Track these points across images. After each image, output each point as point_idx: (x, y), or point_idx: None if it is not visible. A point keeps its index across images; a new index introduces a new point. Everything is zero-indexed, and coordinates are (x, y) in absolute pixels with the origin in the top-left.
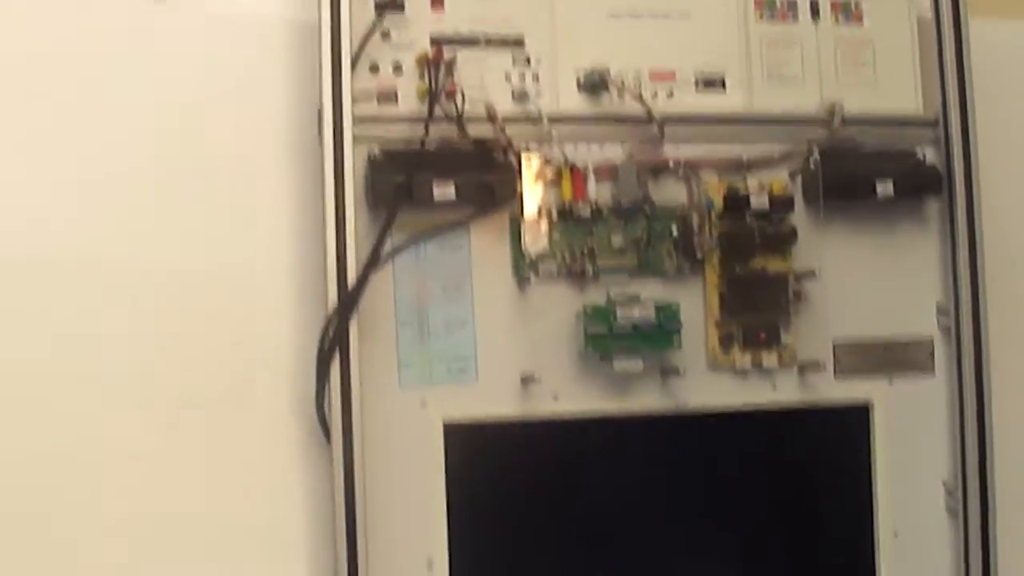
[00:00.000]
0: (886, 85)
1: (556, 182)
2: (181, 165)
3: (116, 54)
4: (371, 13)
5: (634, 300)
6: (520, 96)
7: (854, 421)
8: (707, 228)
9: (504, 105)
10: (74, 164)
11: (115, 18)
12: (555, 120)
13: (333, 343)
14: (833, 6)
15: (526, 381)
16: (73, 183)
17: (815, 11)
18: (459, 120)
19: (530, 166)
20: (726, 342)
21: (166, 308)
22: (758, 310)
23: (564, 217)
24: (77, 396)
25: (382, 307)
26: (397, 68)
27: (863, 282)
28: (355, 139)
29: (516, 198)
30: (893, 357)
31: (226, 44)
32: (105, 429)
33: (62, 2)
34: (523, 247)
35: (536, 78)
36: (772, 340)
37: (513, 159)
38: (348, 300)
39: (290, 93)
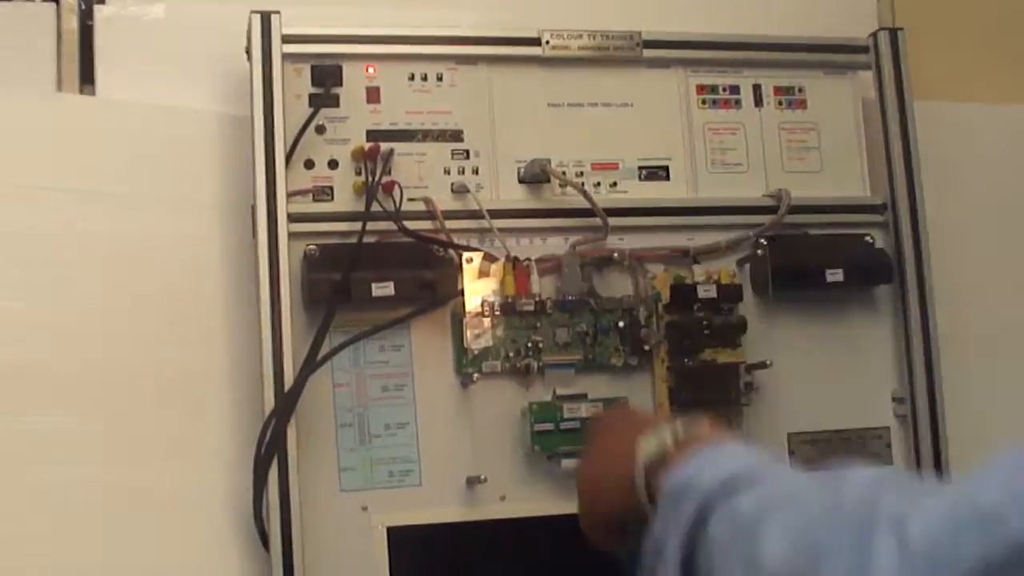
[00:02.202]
0: (832, 170)
1: (498, 277)
2: (109, 264)
3: (40, 146)
4: (305, 107)
5: (581, 396)
6: (460, 190)
7: None
8: (654, 320)
9: (443, 199)
10: None
11: (40, 109)
12: (496, 214)
13: (270, 448)
14: (776, 91)
15: (471, 482)
16: None
17: (758, 98)
18: (397, 215)
19: (471, 261)
20: None
21: (101, 411)
22: (709, 403)
23: (507, 312)
24: (12, 501)
25: (321, 409)
26: (332, 163)
27: (816, 371)
28: (290, 236)
29: (458, 294)
30: (849, 448)
31: (157, 137)
32: (46, 545)
33: None
34: (465, 344)
35: (475, 171)
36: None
37: (454, 254)
38: (285, 403)
39: (225, 189)
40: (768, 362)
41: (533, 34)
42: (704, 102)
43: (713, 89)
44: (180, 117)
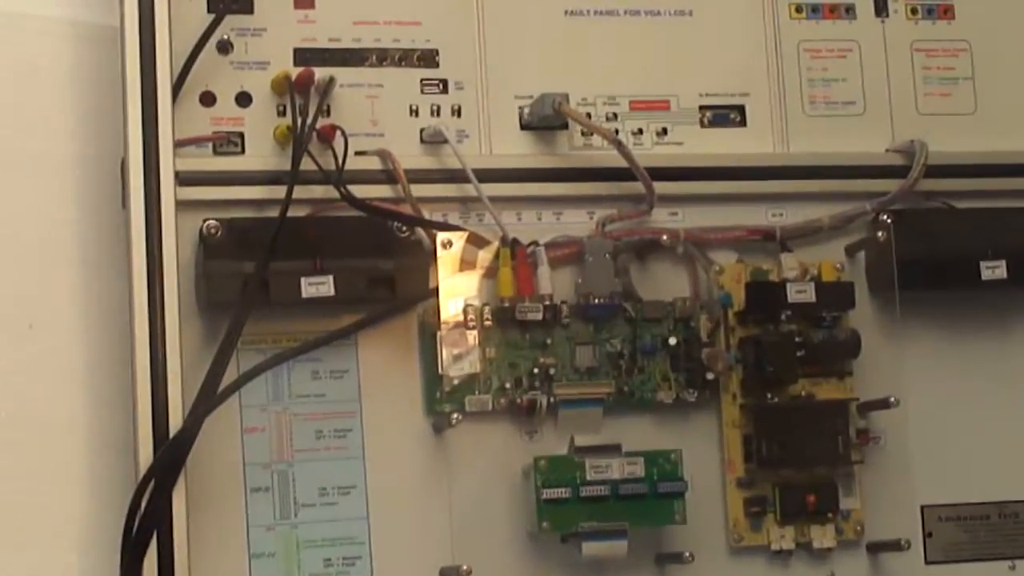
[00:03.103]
0: (991, 111)
1: (491, 269)
2: None
3: None
4: (202, 13)
5: (612, 448)
6: (433, 139)
7: None
8: (722, 335)
9: (409, 153)
10: None
11: None
12: (487, 175)
13: (146, 523)
14: None
15: None
16: None
17: (880, 4)
18: (339, 177)
19: (449, 246)
20: (755, 510)
21: None
22: (803, 460)
23: (503, 322)
24: None
25: (223, 466)
26: (243, 98)
27: (964, 413)
28: (179, 206)
29: (429, 294)
30: (1016, 530)
31: None
32: None
33: None
34: (441, 369)
35: (456, 111)
36: (826, 506)
37: (423, 235)
38: (170, 457)
39: (81, 135)
40: (892, 399)
41: None
42: (799, 9)
43: None
44: (13, 28)
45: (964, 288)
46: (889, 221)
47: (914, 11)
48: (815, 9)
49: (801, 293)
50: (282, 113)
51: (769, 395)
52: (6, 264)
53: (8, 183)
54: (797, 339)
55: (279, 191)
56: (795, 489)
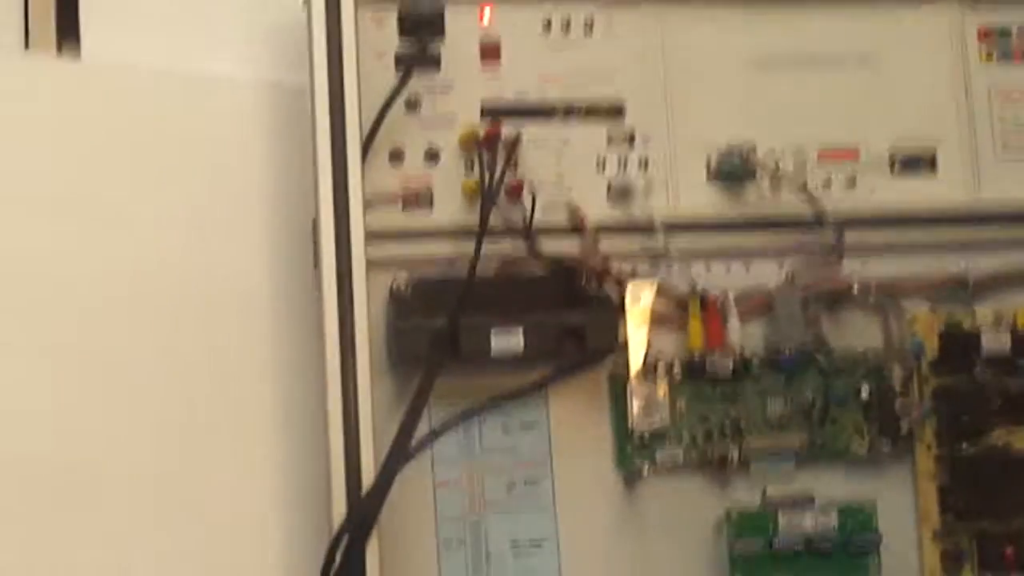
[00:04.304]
0: None
1: (680, 322)
2: (94, 318)
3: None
4: (390, 72)
5: (805, 501)
6: (621, 193)
7: None
8: (916, 385)
9: (597, 207)
10: None
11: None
12: (676, 228)
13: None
14: None
15: None
16: None
17: None
18: (528, 232)
19: (639, 299)
20: (953, 563)
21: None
22: (1002, 511)
23: (693, 375)
24: None
25: (416, 520)
26: (431, 155)
27: None
28: (370, 264)
29: (618, 348)
30: None
31: (172, 121)
32: None
33: None
34: (631, 422)
35: (644, 164)
36: None
37: (612, 290)
38: (363, 512)
39: (272, 195)
40: None
41: None
42: (990, 54)
43: (1004, 32)
44: (206, 90)
45: None
46: None
47: None
48: (1006, 53)
49: (997, 342)
50: (470, 169)
51: (965, 445)
52: (202, 325)
53: (203, 244)
54: (992, 388)
55: (468, 247)
56: (993, 541)
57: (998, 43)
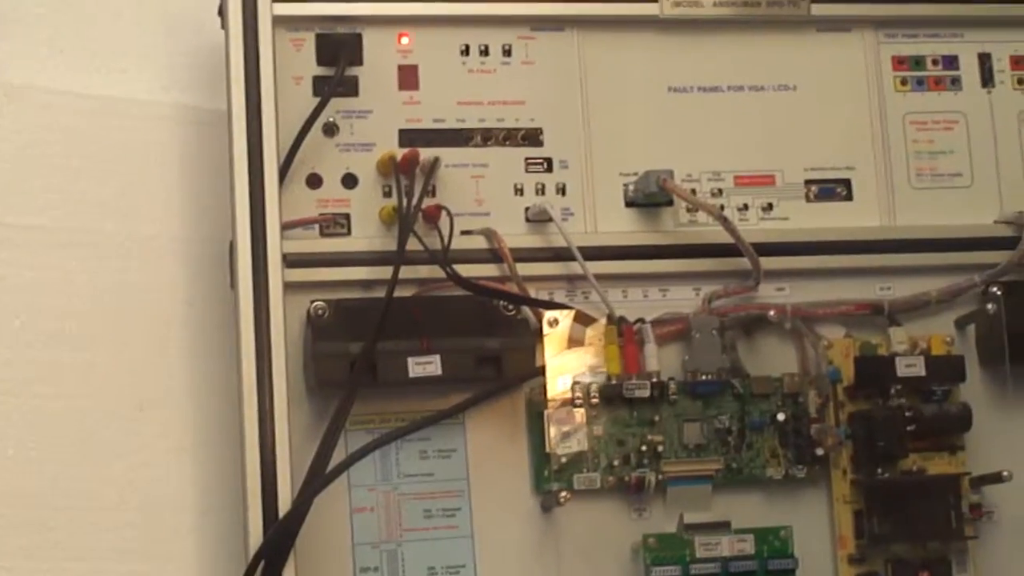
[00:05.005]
0: None
1: (598, 348)
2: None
3: None
4: (308, 97)
5: (721, 526)
6: (538, 217)
7: None
8: (832, 411)
9: (515, 232)
10: None
11: None
12: (593, 253)
13: None
14: (1016, 63)
15: None
16: None
17: (987, 74)
18: (445, 257)
19: (556, 324)
20: None
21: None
22: (916, 535)
23: (611, 400)
24: None
25: (333, 546)
26: (349, 180)
27: None
28: (287, 288)
29: (536, 373)
30: None
31: (85, 145)
32: None
33: None
34: (548, 447)
35: (562, 190)
36: None
37: (530, 314)
38: (279, 538)
39: (189, 219)
40: (1005, 473)
41: None
42: (904, 81)
43: (918, 62)
44: (123, 112)
45: None
46: (999, 293)
47: (1020, 81)
48: (920, 81)
49: (911, 367)
50: (388, 194)
51: (880, 470)
52: (117, 347)
53: (119, 266)
54: (907, 413)
55: (386, 272)
56: (907, 565)
57: (912, 71)
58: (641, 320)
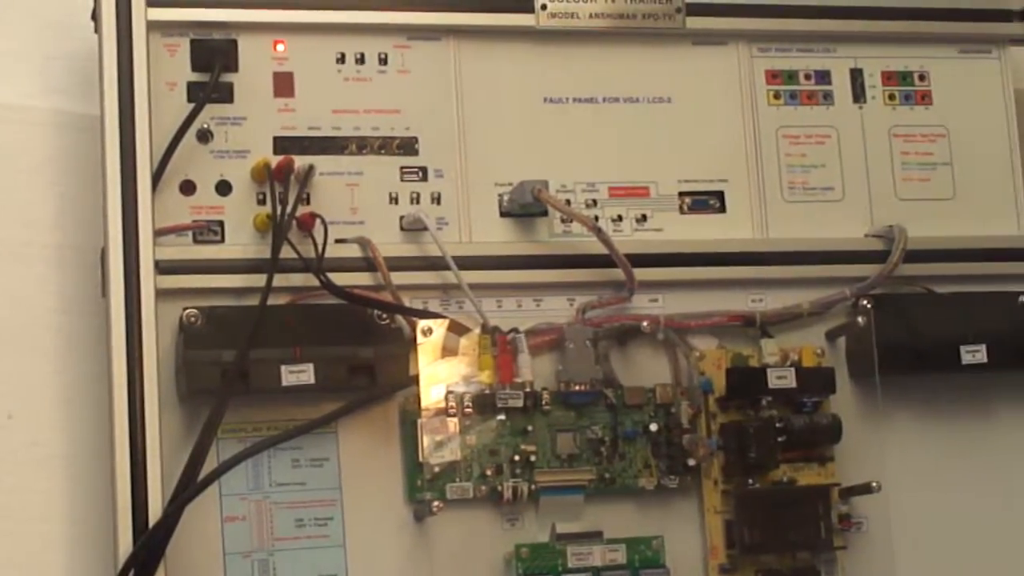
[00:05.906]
0: (969, 197)
1: (471, 357)
2: None
3: None
4: (182, 102)
5: (594, 535)
6: (413, 226)
7: None
8: (704, 421)
9: (389, 241)
10: None
11: None
12: (467, 263)
13: None
14: (886, 78)
15: None
16: None
17: (858, 89)
18: (319, 265)
19: (429, 333)
20: None
21: None
22: (786, 545)
23: (484, 409)
24: None
25: (203, 555)
26: (223, 186)
27: (947, 498)
28: (159, 295)
29: (410, 382)
30: None
31: None
32: None
33: None
34: (421, 456)
35: (436, 199)
36: None
37: (404, 323)
38: (149, 547)
39: (60, 224)
40: (874, 484)
41: None
42: (777, 95)
43: (791, 76)
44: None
45: (944, 372)
46: (869, 306)
47: (892, 97)
48: (793, 95)
49: (782, 379)
50: (262, 202)
51: (751, 481)
52: None
53: None
54: (778, 424)
55: (259, 279)
56: (778, 575)
57: (785, 85)
58: (515, 330)
